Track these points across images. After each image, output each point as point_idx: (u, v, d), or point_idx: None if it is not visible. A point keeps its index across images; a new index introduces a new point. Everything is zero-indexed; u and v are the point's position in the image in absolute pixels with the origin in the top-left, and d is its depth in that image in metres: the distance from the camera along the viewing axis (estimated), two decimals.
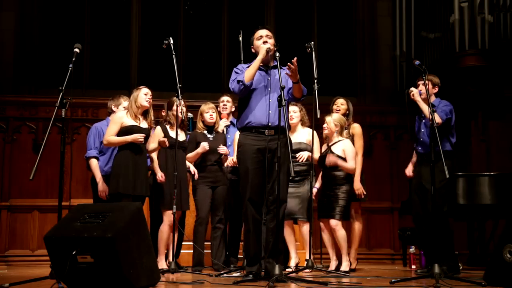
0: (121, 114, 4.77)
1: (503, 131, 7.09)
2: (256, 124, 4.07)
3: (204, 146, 5.11)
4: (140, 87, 4.86)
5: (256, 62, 4.09)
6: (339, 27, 8.76)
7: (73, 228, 3.27)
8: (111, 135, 4.69)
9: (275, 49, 4.16)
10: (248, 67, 4.17)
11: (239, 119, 4.22)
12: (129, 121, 4.71)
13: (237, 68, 4.24)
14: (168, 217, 4.91)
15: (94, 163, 5.06)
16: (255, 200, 4.03)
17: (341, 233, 4.96)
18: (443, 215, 4.68)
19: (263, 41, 4.14)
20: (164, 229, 4.94)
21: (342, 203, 4.96)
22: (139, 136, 4.63)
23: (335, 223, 4.95)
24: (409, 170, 5.13)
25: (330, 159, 4.97)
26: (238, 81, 4.07)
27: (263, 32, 4.20)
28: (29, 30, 7.86)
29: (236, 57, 5.48)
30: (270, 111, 4.04)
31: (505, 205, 5.64)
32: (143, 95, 4.76)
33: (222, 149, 5.18)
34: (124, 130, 4.68)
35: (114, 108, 5.22)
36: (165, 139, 4.87)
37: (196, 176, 5.14)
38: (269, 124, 4.04)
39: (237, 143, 4.23)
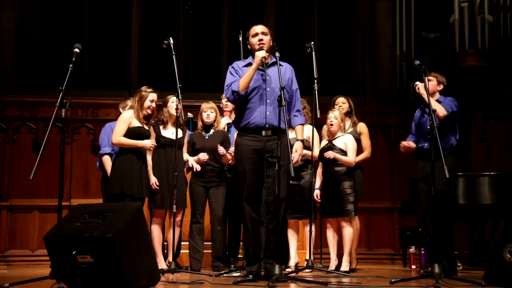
0: (130, 114, 4.76)
1: (503, 131, 7.09)
2: (253, 126, 4.04)
3: (200, 157, 5.09)
4: (148, 90, 4.80)
5: (251, 71, 4.01)
6: (339, 27, 8.76)
7: (73, 228, 3.27)
8: (120, 135, 4.68)
9: (273, 46, 4.14)
10: (244, 66, 4.14)
11: (236, 120, 4.21)
12: (136, 123, 4.72)
13: (232, 67, 4.18)
14: (157, 215, 4.92)
15: (107, 160, 5.07)
16: (252, 200, 4.02)
17: (349, 230, 4.97)
18: (448, 214, 4.66)
19: (259, 39, 4.08)
20: (154, 228, 4.91)
21: (351, 199, 4.95)
22: (150, 144, 4.65)
23: (348, 220, 4.96)
24: (406, 143, 4.89)
25: (329, 153, 4.96)
26: (233, 92, 4.03)
27: (259, 28, 4.12)
28: (29, 30, 7.86)
29: (236, 57, 5.47)
30: (267, 112, 4.01)
31: (505, 205, 5.63)
32: (149, 102, 4.75)
33: (220, 150, 5.16)
34: (131, 131, 4.69)
35: (121, 110, 5.24)
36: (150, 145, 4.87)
37: (197, 168, 5.10)
38: (266, 125, 4.01)
39: (234, 143, 4.23)
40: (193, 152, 5.19)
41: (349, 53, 8.68)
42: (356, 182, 5.12)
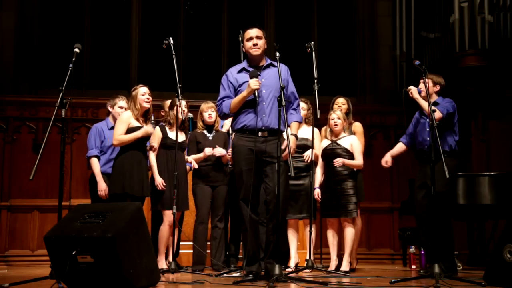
0: (129, 114, 4.75)
1: (503, 131, 7.09)
2: (250, 128, 4.04)
3: (206, 152, 5.11)
4: (137, 86, 4.81)
5: (242, 98, 4.02)
6: (339, 27, 8.76)
7: (73, 228, 3.27)
8: (120, 134, 4.68)
9: (272, 46, 4.14)
10: (238, 72, 4.16)
11: (233, 121, 4.22)
12: (135, 122, 4.72)
13: (226, 76, 4.20)
14: (167, 217, 4.92)
15: (95, 162, 5.05)
16: (250, 200, 4.03)
17: (351, 230, 4.97)
18: (447, 215, 4.67)
19: (253, 43, 4.09)
20: (164, 229, 4.94)
21: (354, 200, 4.96)
22: (149, 129, 4.65)
23: (350, 221, 4.96)
24: (385, 160, 4.89)
25: (338, 161, 4.95)
26: (224, 113, 4.12)
27: (253, 32, 4.12)
28: (29, 30, 7.85)
29: (236, 57, 5.48)
30: (263, 115, 4.02)
31: (505, 205, 5.63)
32: (141, 96, 4.75)
33: (218, 151, 5.16)
34: (131, 131, 4.68)
35: (110, 109, 5.24)
36: (154, 144, 4.89)
37: (195, 165, 5.13)
38: (263, 127, 4.02)
39: (231, 144, 4.23)
40: (196, 151, 5.20)
41: (349, 53, 8.68)
42: (357, 182, 5.13)
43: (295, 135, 4.12)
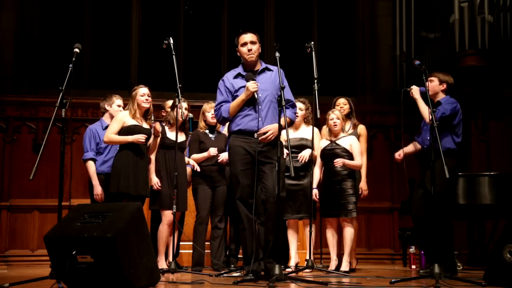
0: (124, 114, 4.79)
1: (503, 131, 7.09)
2: (246, 130, 4.07)
3: (211, 152, 5.11)
4: (138, 87, 4.85)
5: (240, 102, 4.05)
6: (339, 27, 8.76)
7: (73, 228, 3.27)
8: (112, 133, 4.70)
9: (273, 46, 4.16)
10: (234, 77, 4.17)
11: (229, 124, 4.22)
12: (131, 121, 4.73)
13: (222, 81, 4.22)
14: (166, 217, 4.92)
15: (90, 165, 5.06)
16: (246, 200, 4.04)
17: (350, 229, 4.97)
18: (446, 215, 4.66)
19: (248, 48, 4.11)
20: (163, 229, 4.95)
21: (353, 200, 4.95)
22: (140, 137, 4.66)
23: (349, 220, 4.96)
24: (399, 153, 4.84)
25: (339, 161, 4.94)
26: (223, 118, 4.14)
27: (248, 37, 4.14)
28: (29, 30, 7.85)
29: (236, 57, 5.47)
30: (259, 118, 4.03)
31: (505, 205, 5.63)
32: (141, 97, 4.77)
33: (224, 156, 5.15)
34: (126, 130, 4.69)
35: (107, 107, 5.25)
36: (156, 127, 4.89)
37: (198, 168, 5.13)
38: (259, 129, 4.02)
39: (228, 145, 4.24)
40: (199, 150, 5.20)
41: (349, 53, 8.68)
42: (356, 182, 5.13)
43: (281, 125, 4.01)
